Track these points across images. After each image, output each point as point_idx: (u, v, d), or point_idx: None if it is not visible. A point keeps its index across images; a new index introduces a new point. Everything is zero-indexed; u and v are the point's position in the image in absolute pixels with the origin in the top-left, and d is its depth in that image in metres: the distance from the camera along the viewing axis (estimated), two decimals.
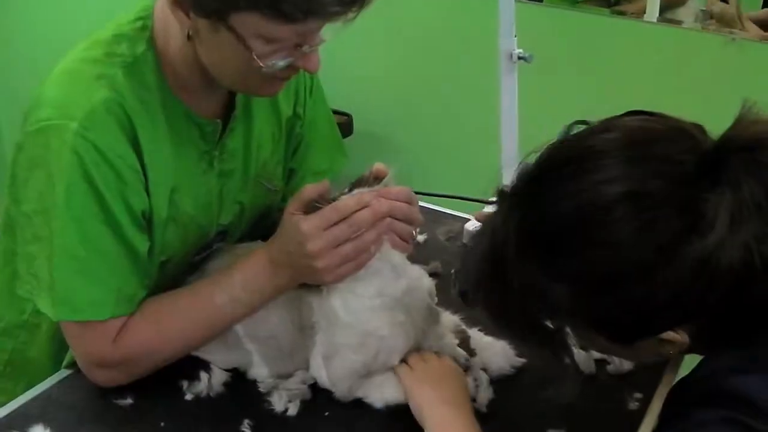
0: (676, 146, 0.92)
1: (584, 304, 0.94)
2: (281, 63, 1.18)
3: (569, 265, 0.93)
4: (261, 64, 1.16)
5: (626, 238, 0.89)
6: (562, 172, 0.94)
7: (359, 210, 1.23)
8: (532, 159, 0.98)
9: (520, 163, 0.99)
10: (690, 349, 1.01)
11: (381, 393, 1.28)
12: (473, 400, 1.27)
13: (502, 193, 1.01)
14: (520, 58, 1.69)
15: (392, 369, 1.29)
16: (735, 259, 0.87)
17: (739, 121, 0.93)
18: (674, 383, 1.00)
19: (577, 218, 0.91)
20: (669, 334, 0.95)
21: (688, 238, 0.87)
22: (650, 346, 0.97)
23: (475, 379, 1.31)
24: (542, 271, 0.94)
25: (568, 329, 1.00)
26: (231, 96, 1.35)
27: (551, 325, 0.99)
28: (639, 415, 1.29)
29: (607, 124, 0.97)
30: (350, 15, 1.15)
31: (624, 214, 0.89)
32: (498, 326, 1.05)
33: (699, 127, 0.96)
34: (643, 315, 0.93)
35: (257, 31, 1.13)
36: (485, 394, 1.29)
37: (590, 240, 0.91)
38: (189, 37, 1.19)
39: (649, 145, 0.93)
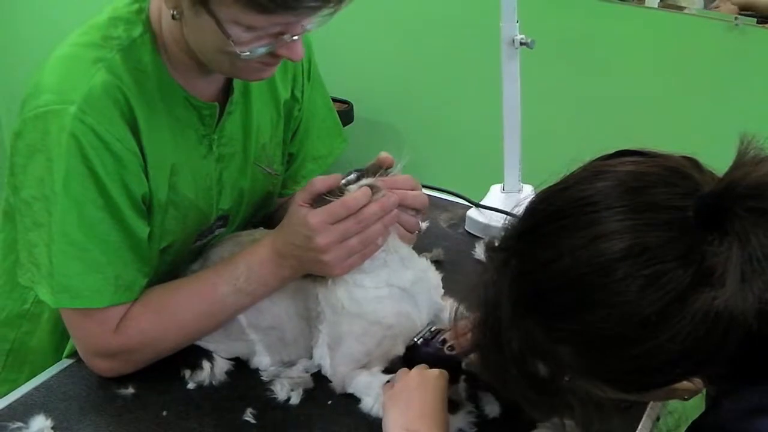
0: (673, 190, 0.87)
1: (588, 363, 0.89)
2: (260, 50, 1.16)
3: (570, 327, 0.88)
4: (237, 51, 1.15)
5: (630, 298, 0.84)
6: (555, 226, 0.89)
7: (368, 204, 1.22)
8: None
9: (508, 215, 0.95)
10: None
11: (367, 398, 1.26)
12: (482, 410, 1.25)
13: (491, 246, 0.97)
14: (522, 43, 1.68)
15: (386, 378, 1.26)
16: (749, 313, 0.83)
17: (739, 162, 0.88)
18: (690, 424, 0.95)
19: (575, 278, 0.87)
20: (682, 384, 0.91)
21: (697, 292, 0.83)
22: (663, 393, 0.94)
23: (478, 401, 1.27)
24: (542, 331, 0.89)
25: (573, 384, 0.93)
26: (229, 79, 1.35)
27: (552, 382, 0.93)
28: (643, 404, 1.28)
29: (597, 170, 0.92)
30: (326, 11, 1.13)
31: (626, 272, 0.84)
32: (496, 386, 1.01)
33: (694, 163, 0.91)
34: (652, 371, 0.88)
35: (235, 18, 1.12)
36: (493, 408, 1.26)
37: (592, 301, 0.86)
38: (174, 17, 1.18)
39: (645, 192, 0.88)
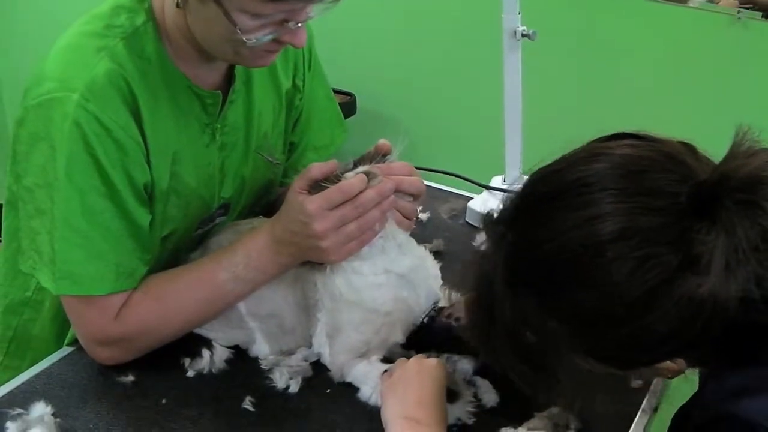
0: (668, 176, 0.89)
1: (578, 339, 0.91)
2: (266, 38, 1.18)
3: (562, 304, 0.90)
4: (244, 39, 1.16)
5: (620, 279, 0.86)
6: (550, 205, 0.91)
7: (364, 190, 1.23)
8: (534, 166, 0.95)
9: (508, 189, 0.97)
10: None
11: (365, 387, 1.27)
12: (479, 400, 1.26)
13: (488, 219, 0.98)
14: (523, 35, 1.68)
15: (384, 367, 1.27)
16: (732, 300, 0.85)
17: (734, 152, 0.90)
18: (679, 408, 0.98)
19: (568, 258, 0.89)
20: (665, 363, 0.94)
21: (683, 278, 0.85)
22: (645, 372, 0.96)
23: (475, 390, 1.28)
24: (533, 306, 0.91)
25: (562, 358, 0.95)
26: (231, 68, 1.35)
27: (543, 357, 0.95)
28: (641, 394, 1.28)
29: (595, 152, 0.94)
30: None
31: (617, 254, 0.86)
32: (487, 358, 1.02)
33: (690, 149, 0.92)
34: (638, 350, 0.91)
35: (242, 6, 1.13)
36: (490, 396, 1.27)
37: (583, 280, 0.88)
38: (178, 6, 1.19)
39: (640, 177, 0.89)
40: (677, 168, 0.90)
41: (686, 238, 0.85)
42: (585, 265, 0.88)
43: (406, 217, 1.32)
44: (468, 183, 1.85)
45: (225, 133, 1.37)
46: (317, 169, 1.25)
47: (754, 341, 0.91)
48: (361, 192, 1.23)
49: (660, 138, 0.94)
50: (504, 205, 0.97)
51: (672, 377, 0.98)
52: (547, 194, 0.92)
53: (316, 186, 1.24)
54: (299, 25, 1.18)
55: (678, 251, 0.85)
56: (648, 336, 0.88)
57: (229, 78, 1.36)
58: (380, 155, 1.30)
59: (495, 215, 0.98)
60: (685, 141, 0.94)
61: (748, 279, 0.85)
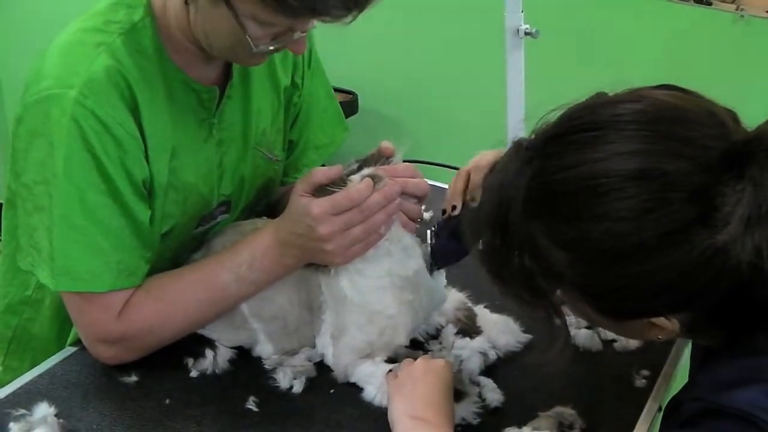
0: (704, 130, 0.89)
1: (580, 273, 0.92)
2: (271, 47, 1.19)
3: (571, 233, 0.91)
4: (252, 45, 1.17)
5: (632, 217, 0.87)
6: (582, 136, 0.92)
7: (371, 194, 1.23)
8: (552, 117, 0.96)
9: (542, 118, 0.97)
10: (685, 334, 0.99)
11: (369, 387, 1.27)
12: (483, 400, 1.26)
13: (518, 146, 0.98)
14: (526, 33, 1.68)
15: (388, 367, 1.27)
16: (744, 260, 0.84)
17: None
18: (669, 399, 0.99)
19: (586, 187, 0.89)
20: (660, 320, 0.93)
21: (698, 229, 0.85)
22: (638, 327, 0.96)
23: (480, 390, 1.28)
24: (544, 232, 0.92)
25: (559, 293, 0.98)
26: (228, 64, 1.35)
27: (544, 286, 0.97)
28: (646, 393, 1.29)
29: (638, 95, 0.95)
30: (349, 18, 1.16)
31: (634, 191, 0.87)
32: (492, 278, 1.02)
33: (732, 115, 0.93)
34: (637, 296, 0.91)
35: (254, 15, 1.14)
36: (495, 396, 1.27)
37: (595, 212, 0.89)
38: (186, 3, 1.19)
39: (676, 124, 0.90)
40: (715, 125, 0.90)
41: (710, 190, 0.86)
42: (599, 195, 0.88)
43: (411, 219, 1.32)
44: None
45: (222, 129, 1.36)
46: (322, 174, 1.24)
47: (751, 323, 0.91)
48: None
49: (705, 97, 0.96)
50: (536, 133, 0.97)
51: (662, 339, 0.98)
52: (584, 125, 0.93)
53: (321, 189, 1.23)
54: (303, 34, 1.20)
55: (699, 201, 0.86)
56: (650, 282, 0.89)
57: (226, 74, 1.36)
58: (384, 157, 1.29)
59: (525, 142, 0.98)
60: (729, 108, 0.95)
61: (764, 241, 0.84)
